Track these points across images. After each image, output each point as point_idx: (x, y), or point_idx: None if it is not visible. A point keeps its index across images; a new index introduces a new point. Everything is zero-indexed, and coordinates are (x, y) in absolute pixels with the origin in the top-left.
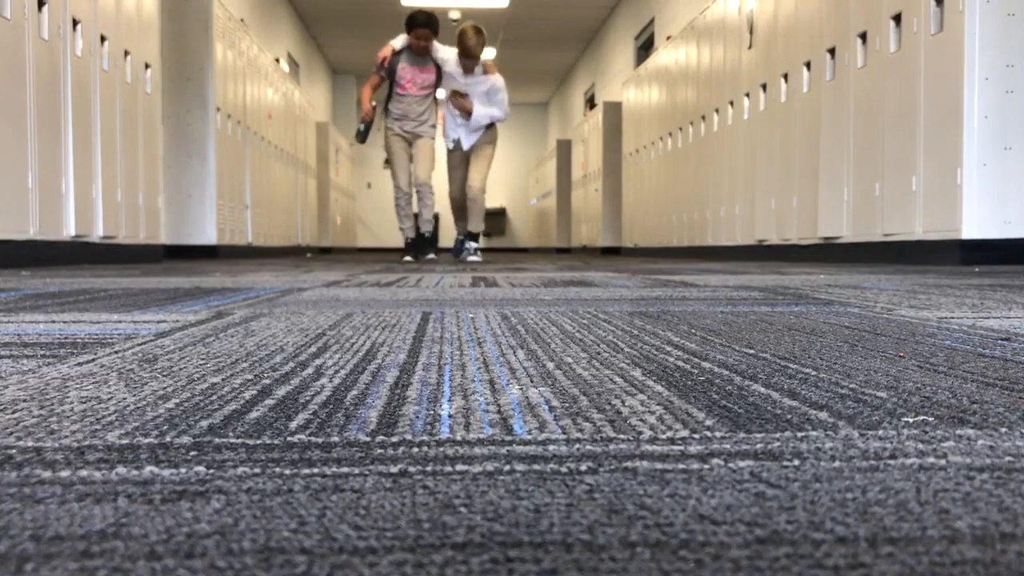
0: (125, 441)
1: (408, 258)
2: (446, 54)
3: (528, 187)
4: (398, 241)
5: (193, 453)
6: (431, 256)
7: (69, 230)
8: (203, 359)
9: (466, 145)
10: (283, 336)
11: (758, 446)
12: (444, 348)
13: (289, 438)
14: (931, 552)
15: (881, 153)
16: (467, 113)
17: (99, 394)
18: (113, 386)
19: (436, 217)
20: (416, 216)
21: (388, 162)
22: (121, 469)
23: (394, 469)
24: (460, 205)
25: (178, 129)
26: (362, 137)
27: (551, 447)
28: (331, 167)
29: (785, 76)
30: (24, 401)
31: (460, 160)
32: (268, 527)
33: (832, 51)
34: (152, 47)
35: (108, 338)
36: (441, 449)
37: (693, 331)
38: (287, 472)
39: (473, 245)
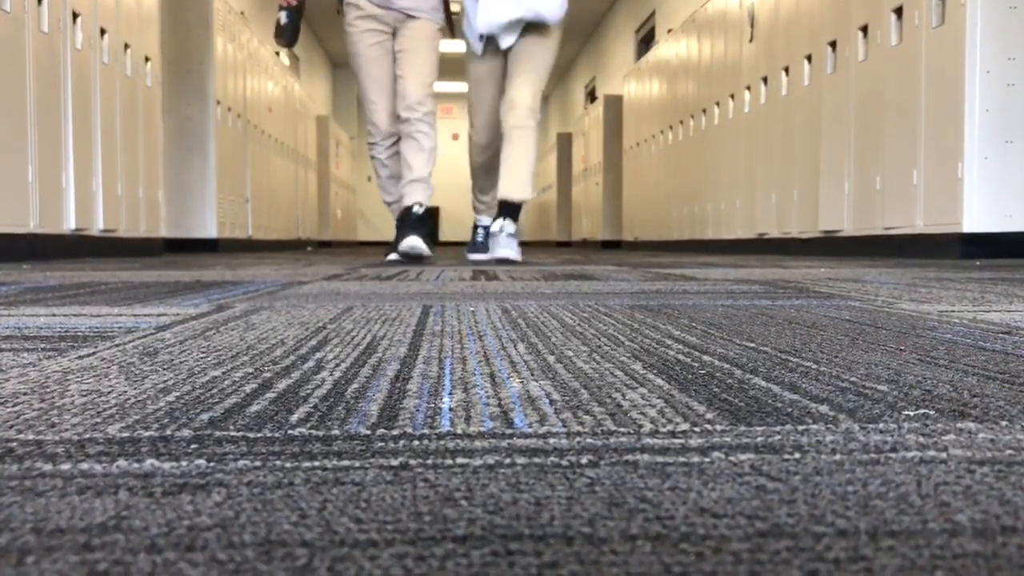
0: (126, 434)
1: (394, 255)
2: None
3: None
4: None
5: (194, 446)
6: (423, 250)
7: (69, 224)
8: (204, 352)
9: (504, 40)
10: (284, 329)
11: (759, 439)
12: (445, 342)
13: (290, 431)
14: (932, 545)
15: (882, 146)
16: None
17: (100, 387)
18: (114, 379)
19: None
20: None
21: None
22: (122, 462)
23: (395, 462)
24: (492, 155)
25: (178, 123)
26: (285, 35)
27: (552, 440)
28: (331, 161)
29: (786, 69)
30: (25, 394)
31: (493, 70)
32: (269, 520)
33: (833, 44)
34: (152, 40)
35: (109, 331)
36: (442, 442)
37: (694, 325)
38: (288, 465)
39: (511, 228)
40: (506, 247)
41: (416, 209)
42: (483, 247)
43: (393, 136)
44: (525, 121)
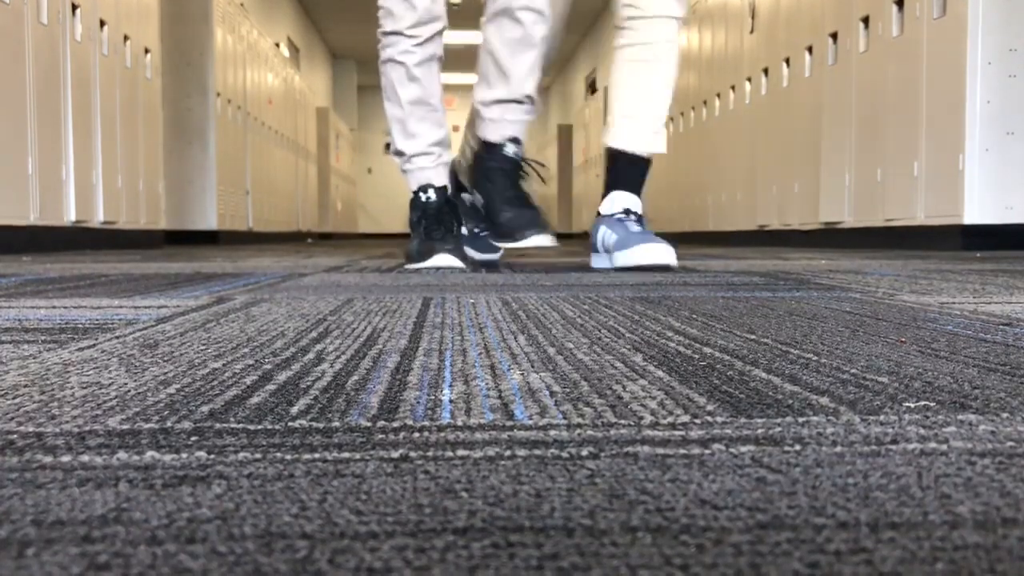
0: (126, 426)
1: (438, 259)
2: None
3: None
4: (399, 226)
5: (194, 438)
6: (545, 241)
7: (69, 216)
8: (204, 344)
9: None
10: (284, 321)
11: (759, 431)
12: (445, 334)
13: (290, 423)
14: (932, 537)
15: (883, 138)
16: None
17: (100, 379)
18: (114, 371)
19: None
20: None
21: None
22: (122, 454)
23: (395, 454)
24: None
25: (178, 114)
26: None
27: (552, 432)
28: (331, 153)
29: (787, 61)
30: (25, 386)
31: None
32: (269, 512)
33: (834, 36)
34: (152, 32)
35: (109, 323)
36: (442, 434)
37: (694, 316)
38: (288, 457)
39: (638, 205)
40: (654, 241)
41: (509, 150)
42: (487, 244)
43: (434, 22)
44: (674, 6)
